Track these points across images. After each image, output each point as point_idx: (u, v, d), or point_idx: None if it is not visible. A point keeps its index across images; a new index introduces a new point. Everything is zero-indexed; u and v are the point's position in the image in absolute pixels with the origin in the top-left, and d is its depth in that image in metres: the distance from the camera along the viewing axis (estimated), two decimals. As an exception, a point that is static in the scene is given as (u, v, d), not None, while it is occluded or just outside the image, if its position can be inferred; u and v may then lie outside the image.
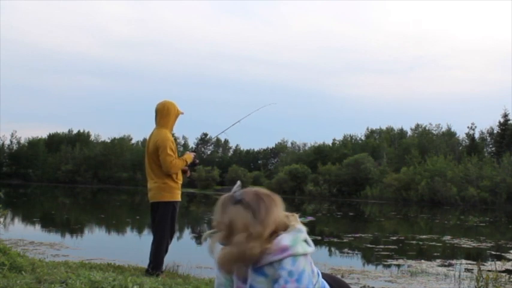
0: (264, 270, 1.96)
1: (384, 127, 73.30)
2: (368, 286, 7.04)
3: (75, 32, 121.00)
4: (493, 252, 11.87)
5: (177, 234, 11.39)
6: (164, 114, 5.35)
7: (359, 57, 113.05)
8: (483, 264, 8.75)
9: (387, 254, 10.78)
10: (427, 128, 67.19)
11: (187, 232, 15.48)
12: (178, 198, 5.38)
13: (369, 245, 12.69)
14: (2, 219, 6.54)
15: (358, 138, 74.65)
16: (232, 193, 1.92)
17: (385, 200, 50.22)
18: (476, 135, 63.38)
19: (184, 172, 5.55)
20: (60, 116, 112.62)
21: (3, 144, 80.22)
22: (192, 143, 79.82)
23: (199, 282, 5.01)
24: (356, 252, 11.49)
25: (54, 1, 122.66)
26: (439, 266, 9.27)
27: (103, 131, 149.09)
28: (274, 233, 1.92)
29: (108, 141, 78.94)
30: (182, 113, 5.54)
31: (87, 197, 40.00)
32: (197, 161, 5.64)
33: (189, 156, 5.49)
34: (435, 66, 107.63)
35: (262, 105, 6.72)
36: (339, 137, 75.18)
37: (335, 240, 13.34)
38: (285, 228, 1.95)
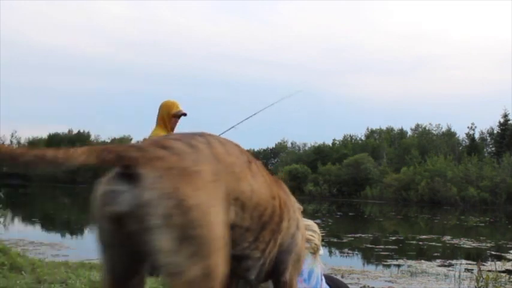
0: None
1: (384, 127, 73.21)
2: (368, 286, 7.04)
3: (75, 32, 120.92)
4: (493, 252, 11.87)
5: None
6: (159, 112, 5.45)
7: (359, 57, 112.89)
8: (483, 265, 8.73)
9: (387, 254, 10.78)
10: (427, 128, 67.16)
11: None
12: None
13: (369, 245, 12.69)
14: (2, 219, 6.53)
15: (358, 138, 74.53)
16: None
17: (385, 200, 50.19)
18: (476, 136, 63.41)
19: None
20: (60, 116, 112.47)
21: (3, 144, 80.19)
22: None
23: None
24: (356, 252, 11.49)
25: (55, 1, 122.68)
26: (439, 266, 9.28)
27: (103, 131, 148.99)
28: None
29: (108, 141, 78.96)
30: (184, 114, 5.52)
31: (87, 197, 39.93)
32: None
33: None
34: (435, 66, 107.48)
35: (292, 92, 6.60)
36: (339, 137, 75.10)
37: (335, 240, 13.33)
38: None
